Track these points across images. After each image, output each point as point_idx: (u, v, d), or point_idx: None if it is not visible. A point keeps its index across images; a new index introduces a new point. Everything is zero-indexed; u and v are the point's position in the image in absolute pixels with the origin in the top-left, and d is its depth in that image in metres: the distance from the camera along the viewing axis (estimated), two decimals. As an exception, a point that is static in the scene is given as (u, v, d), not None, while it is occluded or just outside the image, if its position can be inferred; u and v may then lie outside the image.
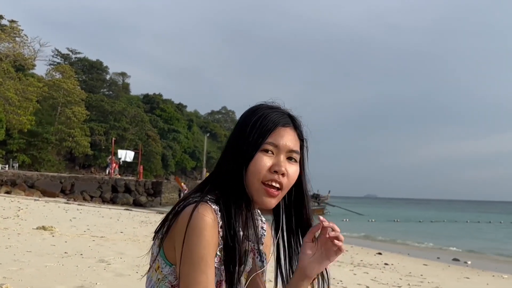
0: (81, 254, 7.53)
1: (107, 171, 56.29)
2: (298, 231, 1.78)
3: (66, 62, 77.67)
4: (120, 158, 57.97)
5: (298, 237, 1.78)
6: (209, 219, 1.51)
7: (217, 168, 1.75)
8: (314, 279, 1.69)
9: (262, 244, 1.85)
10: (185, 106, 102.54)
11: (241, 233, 1.61)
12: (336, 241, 1.61)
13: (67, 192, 42.66)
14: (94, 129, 67.27)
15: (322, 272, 1.70)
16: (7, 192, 35.81)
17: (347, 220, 44.25)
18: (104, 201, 42.34)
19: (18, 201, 22.49)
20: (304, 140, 1.73)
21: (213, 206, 1.56)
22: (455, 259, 16.46)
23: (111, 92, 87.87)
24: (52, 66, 72.40)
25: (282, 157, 1.64)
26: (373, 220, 45.74)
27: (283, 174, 1.62)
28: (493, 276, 12.33)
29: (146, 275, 1.77)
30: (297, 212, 1.77)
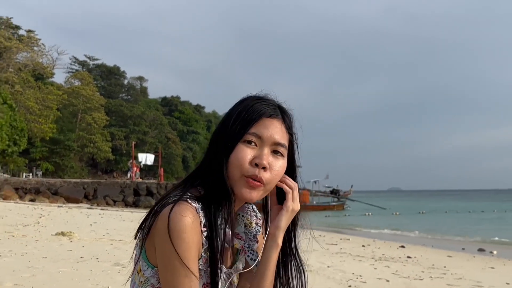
0: (97, 258, 7.53)
1: (129, 175, 56.80)
2: (290, 230, 1.67)
3: (84, 69, 78.71)
4: (140, 162, 58.42)
5: (288, 234, 1.68)
6: (188, 219, 1.41)
7: (201, 162, 1.66)
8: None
9: (257, 241, 1.76)
10: (203, 107, 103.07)
11: (222, 230, 1.52)
12: (279, 183, 1.57)
13: (90, 197, 43.15)
14: (114, 134, 68.04)
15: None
16: (32, 200, 36.32)
17: (370, 214, 43.93)
18: (127, 205, 42.68)
19: (41, 208, 22.79)
20: (294, 135, 1.62)
21: (194, 205, 1.46)
22: (480, 249, 16.13)
23: (129, 97, 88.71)
24: (71, 74, 73.50)
25: (266, 150, 1.52)
26: (397, 213, 45.26)
27: (265, 168, 1.51)
28: (520, 265, 12.03)
29: (130, 278, 1.70)
30: None
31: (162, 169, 55.20)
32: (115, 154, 66.99)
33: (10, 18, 62.02)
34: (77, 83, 67.30)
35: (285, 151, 1.57)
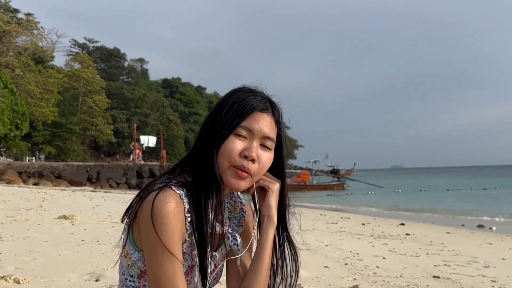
0: (98, 241, 7.63)
1: (131, 157, 57.00)
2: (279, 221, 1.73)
3: (84, 52, 78.44)
4: (143, 144, 58.56)
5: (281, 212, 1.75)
6: (171, 205, 1.48)
7: (191, 150, 1.73)
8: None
9: (242, 226, 1.83)
10: (205, 88, 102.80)
11: (211, 216, 1.60)
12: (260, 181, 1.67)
13: (94, 180, 43.44)
14: (116, 116, 68.05)
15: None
16: (35, 184, 36.53)
17: (372, 193, 44.09)
18: (130, 187, 42.96)
19: (44, 192, 22.91)
20: (282, 129, 1.69)
21: (178, 191, 1.53)
22: (480, 226, 16.25)
23: (130, 79, 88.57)
24: (71, 57, 73.29)
25: (255, 143, 1.59)
26: (399, 190, 45.39)
27: (253, 160, 1.59)
28: (518, 240, 12.13)
29: (118, 261, 1.78)
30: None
31: (164, 151, 55.34)
32: (117, 136, 67.12)
33: (9, 1, 61.68)
34: (77, 66, 67.13)
35: (272, 145, 1.64)
